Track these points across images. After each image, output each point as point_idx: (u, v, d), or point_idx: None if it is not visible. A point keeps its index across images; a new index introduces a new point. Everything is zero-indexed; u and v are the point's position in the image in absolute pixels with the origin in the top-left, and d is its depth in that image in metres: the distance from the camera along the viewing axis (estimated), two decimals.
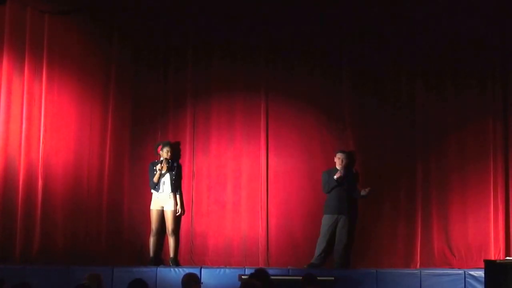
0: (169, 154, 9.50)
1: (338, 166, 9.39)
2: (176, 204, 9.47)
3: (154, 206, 9.44)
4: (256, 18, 9.97)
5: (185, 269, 8.86)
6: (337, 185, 9.31)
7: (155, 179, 9.40)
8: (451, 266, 9.38)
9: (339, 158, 9.40)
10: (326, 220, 9.32)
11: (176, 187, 9.51)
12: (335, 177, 9.31)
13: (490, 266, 7.93)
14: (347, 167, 9.39)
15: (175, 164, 9.55)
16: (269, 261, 9.57)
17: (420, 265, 9.44)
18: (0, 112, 9.73)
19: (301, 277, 7.36)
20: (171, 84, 10.11)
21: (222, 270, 8.96)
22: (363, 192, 9.28)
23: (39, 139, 9.74)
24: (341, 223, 9.29)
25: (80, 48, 10.00)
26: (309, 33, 9.92)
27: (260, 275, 6.19)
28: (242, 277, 8.27)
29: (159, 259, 9.39)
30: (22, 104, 9.79)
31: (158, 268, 8.97)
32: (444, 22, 9.84)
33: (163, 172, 9.40)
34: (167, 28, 10.07)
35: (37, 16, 9.92)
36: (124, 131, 9.95)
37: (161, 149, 9.54)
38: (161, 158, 9.47)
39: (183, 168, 9.77)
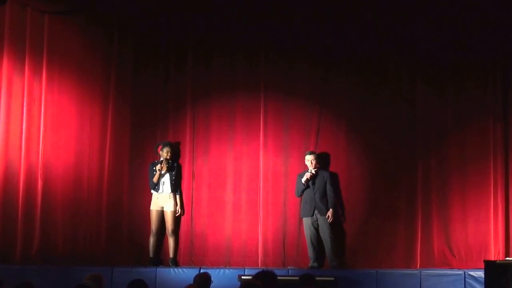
0: (169, 154, 9.50)
1: (309, 168, 9.38)
2: (176, 204, 9.46)
3: (154, 207, 9.44)
4: (255, 18, 9.95)
5: (184, 269, 8.89)
6: (305, 187, 9.31)
7: (155, 179, 9.39)
8: (451, 267, 9.38)
9: (308, 160, 9.39)
10: (305, 224, 9.36)
11: (176, 188, 9.50)
12: (302, 180, 9.30)
13: (490, 267, 7.95)
14: (317, 168, 9.37)
15: (175, 165, 9.54)
16: (269, 261, 9.55)
17: (420, 266, 9.44)
18: (0, 112, 9.73)
19: None
20: (171, 84, 10.09)
21: (221, 270, 8.94)
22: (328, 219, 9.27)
23: (39, 139, 9.73)
24: (320, 224, 9.28)
25: (80, 48, 9.99)
26: (308, 34, 9.92)
27: (265, 276, 6.05)
28: (242, 277, 8.28)
29: (159, 259, 9.39)
30: (22, 104, 9.78)
31: (157, 269, 8.97)
32: (444, 22, 9.84)
33: (162, 172, 9.39)
34: (167, 27, 10.06)
35: (37, 16, 9.91)
36: (124, 131, 9.94)
37: (161, 149, 9.53)
38: (161, 159, 9.47)
39: (183, 168, 9.77)
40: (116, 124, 9.92)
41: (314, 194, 9.31)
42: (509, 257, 9.19)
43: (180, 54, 10.10)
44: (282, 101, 9.90)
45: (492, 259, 9.04)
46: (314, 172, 9.31)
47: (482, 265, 8.16)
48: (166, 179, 9.45)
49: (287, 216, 9.74)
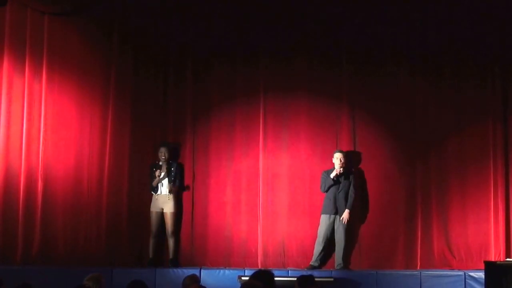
0: (165, 155, 9.52)
1: (336, 166, 9.38)
2: (175, 205, 9.47)
3: (154, 208, 9.45)
4: (255, 20, 9.96)
5: (184, 270, 8.89)
6: (333, 184, 9.33)
7: (154, 184, 9.42)
8: (451, 267, 9.37)
9: (337, 158, 9.41)
10: (322, 221, 9.37)
11: (176, 188, 9.52)
12: (331, 175, 9.32)
13: (490, 267, 7.92)
14: (344, 166, 9.38)
15: (173, 166, 9.54)
16: (269, 262, 9.54)
17: (420, 266, 9.43)
18: (0, 113, 9.73)
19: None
20: (171, 84, 10.10)
21: (221, 271, 8.97)
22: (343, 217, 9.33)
23: (39, 140, 9.72)
24: (337, 223, 9.30)
25: (80, 49, 9.98)
26: (308, 36, 9.90)
27: (263, 275, 6.07)
28: (242, 278, 8.29)
29: (159, 260, 9.39)
30: (22, 105, 9.75)
31: (157, 269, 8.99)
32: (444, 21, 9.82)
33: (161, 176, 9.42)
34: (167, 28, 10.06)
35: (37, 17, 9.89)
36: (124, 131, 9.92)
37: (159, 150, 9.57)
38: (158, 162, 9.48)
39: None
40: (116, 124, 9.91)
41: (339, 192, 9.36)
42: (509, 258, 9.17)
43: (180, 54, 10.10)
44: (281, 102, 9.89)
45: (493, 260, 9.02)
46: (341, 170, 9.32)
47: (482, 266, 8.12)
48: (165, 180, 9.46)
49: (287, 216, 9.74)
